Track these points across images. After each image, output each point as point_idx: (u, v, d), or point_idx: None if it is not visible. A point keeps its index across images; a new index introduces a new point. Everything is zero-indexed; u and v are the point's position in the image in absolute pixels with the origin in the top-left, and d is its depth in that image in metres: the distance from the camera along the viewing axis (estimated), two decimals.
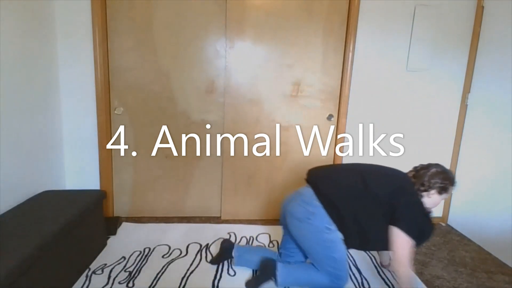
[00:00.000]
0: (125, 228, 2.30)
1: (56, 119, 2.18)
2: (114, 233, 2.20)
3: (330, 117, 2.49)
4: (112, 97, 2.34)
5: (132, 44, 2.27)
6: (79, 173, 2.34)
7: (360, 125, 2.51)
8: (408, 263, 1.47)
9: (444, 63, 2.47)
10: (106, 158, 2.34)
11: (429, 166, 1.59)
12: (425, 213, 1.52)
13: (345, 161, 2.55)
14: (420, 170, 1.58)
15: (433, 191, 1.54)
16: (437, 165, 1.59)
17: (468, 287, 1.79)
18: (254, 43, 2.33)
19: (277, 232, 2.36)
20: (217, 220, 2.54)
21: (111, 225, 2.22)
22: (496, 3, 2.28)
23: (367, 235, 1.55)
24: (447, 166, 2.64)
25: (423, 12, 2.36)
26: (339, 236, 1.57)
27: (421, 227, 1.51)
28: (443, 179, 1.54)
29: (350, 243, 1.60)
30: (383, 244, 1.53)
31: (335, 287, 1.61)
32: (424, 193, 1.54)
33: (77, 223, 1.66)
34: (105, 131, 2.30)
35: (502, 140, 2.18)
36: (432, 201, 1.55)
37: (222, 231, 2.33)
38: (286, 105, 2.44)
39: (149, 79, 2.33)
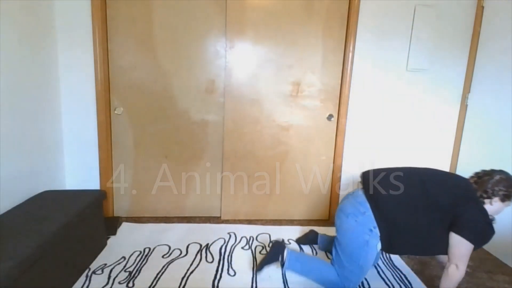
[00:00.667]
0: (125, 228, 2.30)
1: (56, 119, 2.18)
2: (114, 233, 2.20)
3: (330, 117, 2.49)
4: (112, 97, 2.34)
5: (132, 44, 2.27)
6: (79, 173, 2.34)
7: (360, 127, 2.51)
8: (465, 269, 1.50)
9: (444, 63, 2.47)
10: (106, 158, 2.34)
11: (492, 172, 1.55)
12: (488, 221, 1.49)
13: (344, 161, 2.56)
14: (483, 177, 1.55)
15: (496, 199, 1.51)
16: (501, 172, 1.55)
17: (468, 287, 1.79)
18: (254, 43, 2.33)
19: (277, 232, 2.36)
20: (217, 220, 2.54)
21: (111, 225, 2.22)
22: (496, 3, 2.28)
23: (419, 243, 1.55)
24: (447, 166, 2.64)
25: (423, 12, 2.36)
26: (376, 244, 1.57)
27: (484, 234, 1.50)
28: (508, 186, 1.51)
29: (396, 249, 1.61)
30: (436, 250, 1.56)
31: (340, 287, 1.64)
32: (487, 200, 1.52)
33: (77, 223, 1.66)
34: (105, 131, 2.30)
35: (502, 140, 2.18)
36: (494, 208, 1.52)
37: (222, 231, 2.33)
38: (286, 105, 2.44)
39: (149, 79, 2.33)
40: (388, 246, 1.58)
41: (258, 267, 1.78)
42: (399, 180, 1.60)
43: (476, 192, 1.53)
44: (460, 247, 1.48)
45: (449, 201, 1.51)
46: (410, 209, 1.53)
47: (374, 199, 1.59)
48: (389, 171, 1.68)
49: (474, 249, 1.53)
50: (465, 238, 1.46)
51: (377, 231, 1.55)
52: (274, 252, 1.77)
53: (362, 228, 1.56)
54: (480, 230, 1.47)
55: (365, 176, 1.72)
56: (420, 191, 1.54)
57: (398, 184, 1.59)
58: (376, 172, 1.70)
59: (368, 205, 1.58)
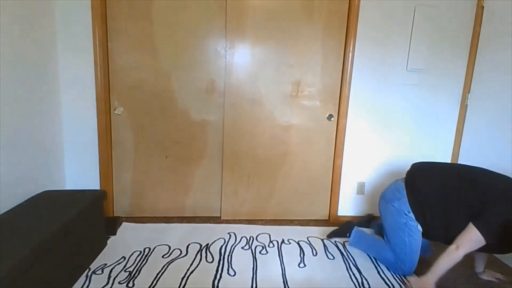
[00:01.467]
0: (125, 228, 2.30)
1: (56, 119, 2.18)
2: (114, 233, 2.20)
3: (330, 117, 2.49)
4: (112, 97, 2.34)
5: (132, 44, 2.27)
6: (79, 173, 2.34)
7: (360, 127, 2.51)
8: (463, 254, 1.53)
9: (444, 63, 2.47)
10: (106, 158, 2.34)
11: None
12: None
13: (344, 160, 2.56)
14: None
15: None
16: None
17: (468, 287, 1.79)
18: (254, 43, 2.33)
19: (277, 232, 2.36)
20: (217, 220, 2.54)
21: (111, 225, 2.22)
22: (496, 3, 2.28)
23: (452, 232, 1.62)
24: None
25: (423, 12, 2.36)
26: (415, 225, 1.74)
27: (505, 235, 1.49)
28: None
29: (433, 236, 1.76)
30: None
31: (397, 269, 1.85)
32: None
33: (77, 223, 1.66)
34: (105, 131, 2.30)
35: (502, 140, 2.18)
36: None
37: (222, 231, 2.33)
38: (286, 105, 2.44)
39: (149, 79, 2.33)
40: (423, 231, 1.74)
41: (329, 236, 2.24)
42: (439, 173, 1.75)
43: None
44: (470, 233, 1.52)
45: (479, 198, 1.55)
46: (442, 200, 1.66)
47: (410, 187, 1.77)
48: (433, 163, 1.87)
49: (490, 250, 1.58)
50: (476, 226, 1.50)
51: (411, 215, 1.73)
52: (345, 229, 2.16)
53: (399, 212, 1.77)
54: (495, 225, 1.48)
55: (412, 166, 1.89)
56: (454, 186, 1.64)
57: (436, 175, 1.74)
58: (421, 164, 1.87)
59: (404, 192, 1.77)
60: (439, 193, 1.68)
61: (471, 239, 1.52)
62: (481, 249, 1.58)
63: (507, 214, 1.48)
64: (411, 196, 1.75)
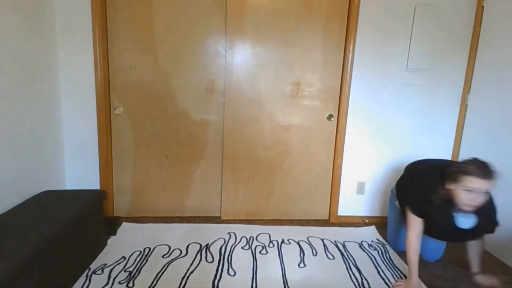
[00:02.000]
0: (125, 228, 2.30)
1: (56, 119, 2.18)
2: (114, 233, 2.20)
3: (330, 117, 2.49)
4: (112, 97, 2.34)
5: (132, 44, 2.27)
6: (79, 173, 2.34)
7: (360, 127, 2.51)
8: (411, 237, 1.67)
9: (444, 63, 2.47)
10: (106, 158, 2.34)
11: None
12: (429, 197, 1.61)
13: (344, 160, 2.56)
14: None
15: (449, 182, 1.54)
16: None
17: (468, 287, 1.79)
18: (254, 43, 2.33)
19: (277, 232, 2.36)
20: (217, 220, 2.54)
21: (111, 225, 2.22)
22: (496, 3, 2.28)
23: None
24: None
25: (423, 12, 2.36)
26: (395, 202, 2.08)
27: (415, 200, 1.69)
28: (459, 166, 1.50)
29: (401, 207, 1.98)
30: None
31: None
32: (451, 185, 1.53)
33: (77, 223, 1.66)
34: (105, 131, 2.30)
35: (502, 140, 2.18)
36: (456, 195, 1.51)
37: (222, 231, 2.33)
38: (286, 105, 2.44)
39: (149, 79, 2.33)
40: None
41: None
42: (420, 163, 1.97)
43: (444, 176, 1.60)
44: (407, 212, 1.73)
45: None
46: (407, 183, 1.90)
47: (399, 180, 2.06)
48: (432, 160, 2.06)
49: (428, 231, 1.72)
50: (404, 203, 1.77)
51: (394, 192, 2.08)
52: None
53: (391, 191, 2.19)
54: (414, 196, 1.70)
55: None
56: (415, 170, 1.92)
57: (422, 167, 1.93)
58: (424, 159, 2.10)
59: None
60: (406, 178, 1.96)
61: (408, 216, 1.70)
62: (429, 233, 1.72)
63: (422, 185, 1.69)
64: (399, 180, 2.06)
